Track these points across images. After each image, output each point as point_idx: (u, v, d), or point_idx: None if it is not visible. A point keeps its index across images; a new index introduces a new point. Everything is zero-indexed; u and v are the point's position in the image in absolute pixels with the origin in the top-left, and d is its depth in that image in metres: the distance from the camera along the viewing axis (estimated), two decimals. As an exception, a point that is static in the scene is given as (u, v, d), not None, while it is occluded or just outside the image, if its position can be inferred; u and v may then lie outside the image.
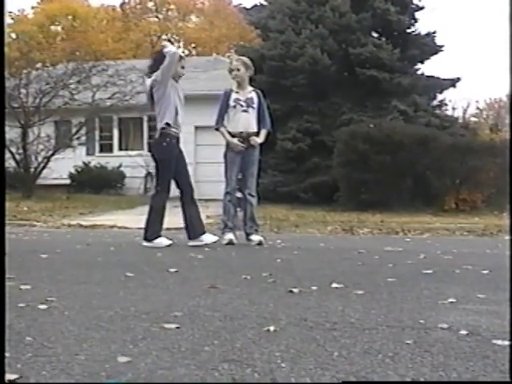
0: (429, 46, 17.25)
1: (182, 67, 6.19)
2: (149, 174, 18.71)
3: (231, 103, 6.44)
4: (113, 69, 16.37)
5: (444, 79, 17.42)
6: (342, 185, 14.08)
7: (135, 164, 18.34)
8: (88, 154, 19.28)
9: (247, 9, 18.42)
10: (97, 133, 19.01)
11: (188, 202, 6.13)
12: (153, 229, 5.99)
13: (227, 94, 6.49)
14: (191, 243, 6.03)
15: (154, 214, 6.03)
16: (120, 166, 18.76)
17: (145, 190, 18.70)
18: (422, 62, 17.67)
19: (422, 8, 17.51)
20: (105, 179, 18.45)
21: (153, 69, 6.00)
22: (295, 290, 3.39)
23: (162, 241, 5.96)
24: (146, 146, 19.36)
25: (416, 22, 17.51)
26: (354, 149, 13.47)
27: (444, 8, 55.56)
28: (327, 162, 14.38)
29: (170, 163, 6.01)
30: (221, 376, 1.87)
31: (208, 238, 6.07)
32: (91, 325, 2.54)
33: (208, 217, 11.47)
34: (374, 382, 1.87)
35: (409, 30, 17.37)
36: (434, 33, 17.29)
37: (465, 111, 25.11)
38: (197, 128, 18.04)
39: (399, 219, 10.70)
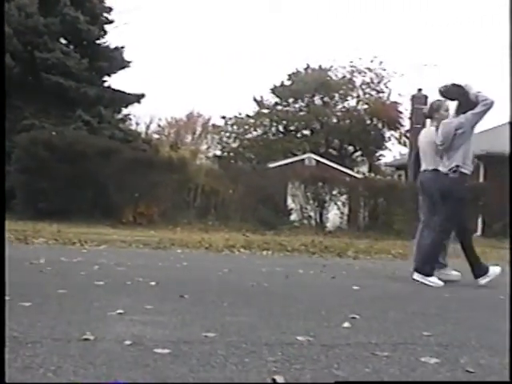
0: (117, 60, 17.50)
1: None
2: None
3: None
4: None
5: (129, 94, 17.79)
6: (20, 192, 13.50)
7: None
8: None
9: None
10: None
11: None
12: (431, 264, 5.77)
13: None
14: (481, 281, 5.72)
15: (434, 248, 5.86)
16: None
17: None
18: (109, 75, 17.83)
19: (111, 22, 17.73)
20: None
21: (460, 110, 5.82)
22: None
23: (435, 280, 5.66)
24: None
25: (106, 34, 17.65)
26: (33, 156, 13.02)
27: (136, 24, 57.01)
28: (5, 167, 13.68)
29: (465, 203, 6.09)
30: None
31: (495, 271, 5.80)
32: None
33: None
34: (372, 382, 1.91)
35: (98, 42, 17.42)
36: (122, 47, 17.61)
37: (148, 127, 25.94)
38: None
39: (77, 230, 10.60)
